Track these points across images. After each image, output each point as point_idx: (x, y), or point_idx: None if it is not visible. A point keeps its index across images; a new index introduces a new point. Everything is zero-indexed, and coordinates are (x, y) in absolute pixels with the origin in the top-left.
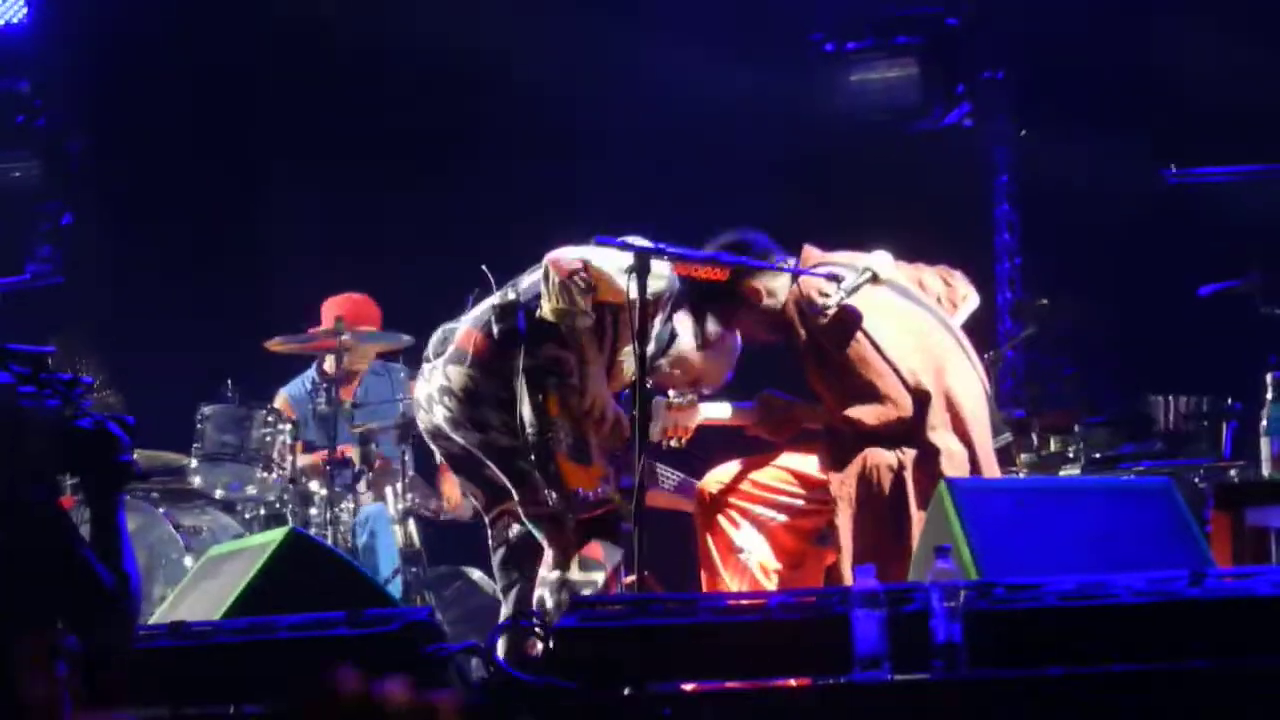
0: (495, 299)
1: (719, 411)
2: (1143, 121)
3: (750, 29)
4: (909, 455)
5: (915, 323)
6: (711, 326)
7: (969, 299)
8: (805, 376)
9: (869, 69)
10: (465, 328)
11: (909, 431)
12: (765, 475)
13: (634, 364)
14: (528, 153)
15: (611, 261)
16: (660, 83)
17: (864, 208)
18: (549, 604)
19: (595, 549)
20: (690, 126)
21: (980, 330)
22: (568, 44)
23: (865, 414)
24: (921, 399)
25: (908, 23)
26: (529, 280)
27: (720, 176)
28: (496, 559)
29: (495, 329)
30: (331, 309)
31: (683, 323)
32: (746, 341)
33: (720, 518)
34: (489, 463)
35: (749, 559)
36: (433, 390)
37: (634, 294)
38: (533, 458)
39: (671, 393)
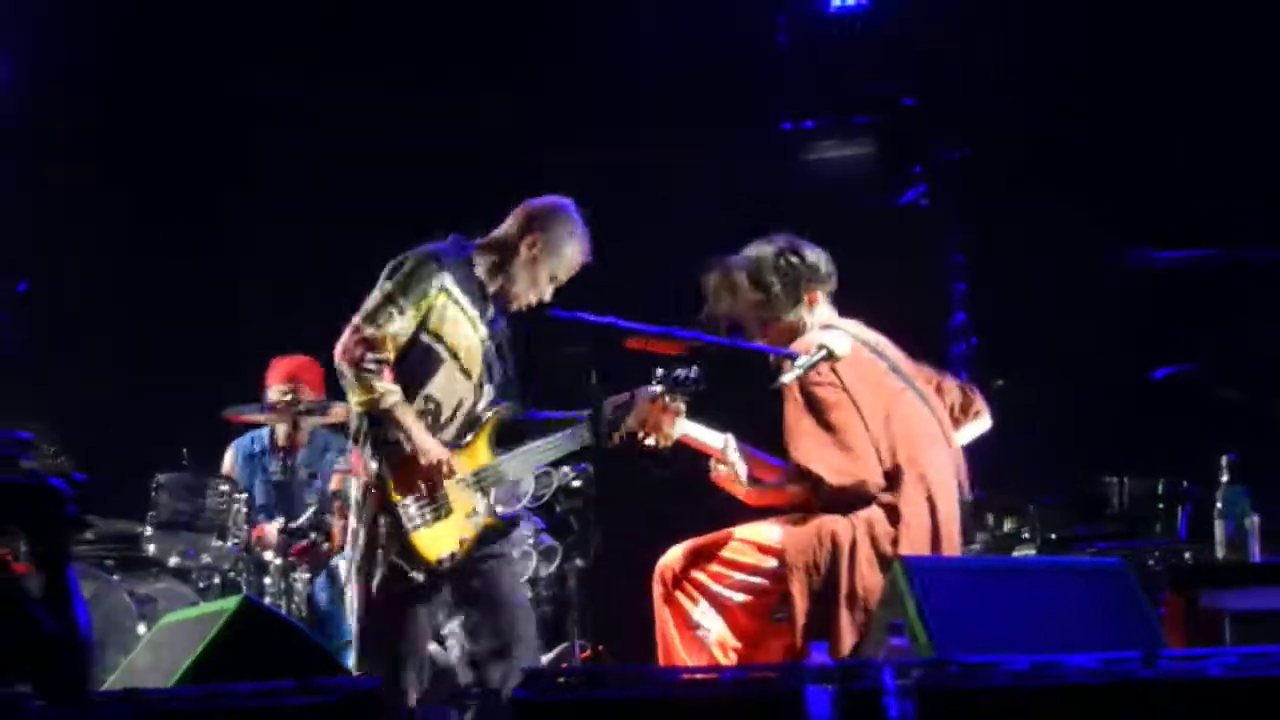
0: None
1: (698, 431)
2: (1100, 204)
3: (708, 105)
4: (863, 522)
5: (900, 406)
6: None
7: (982, 416)
8: (783, 419)
9: (826, 147)
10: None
11: (867, 497)
12: (723, 550)
13: (475, 343)
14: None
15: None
16: (616, 156)
17: None
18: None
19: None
20: (645, 201)
21: None
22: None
23: (826, 469)
24: (889, 470)
25: (866, 102)
26: None
27: (675, 251)
28: None
29: (365, 445)
30: (282, 370)
31: None
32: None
33: (679, 594)
34: None
35: (707, 636)
36: None
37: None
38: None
39: (659, 387)
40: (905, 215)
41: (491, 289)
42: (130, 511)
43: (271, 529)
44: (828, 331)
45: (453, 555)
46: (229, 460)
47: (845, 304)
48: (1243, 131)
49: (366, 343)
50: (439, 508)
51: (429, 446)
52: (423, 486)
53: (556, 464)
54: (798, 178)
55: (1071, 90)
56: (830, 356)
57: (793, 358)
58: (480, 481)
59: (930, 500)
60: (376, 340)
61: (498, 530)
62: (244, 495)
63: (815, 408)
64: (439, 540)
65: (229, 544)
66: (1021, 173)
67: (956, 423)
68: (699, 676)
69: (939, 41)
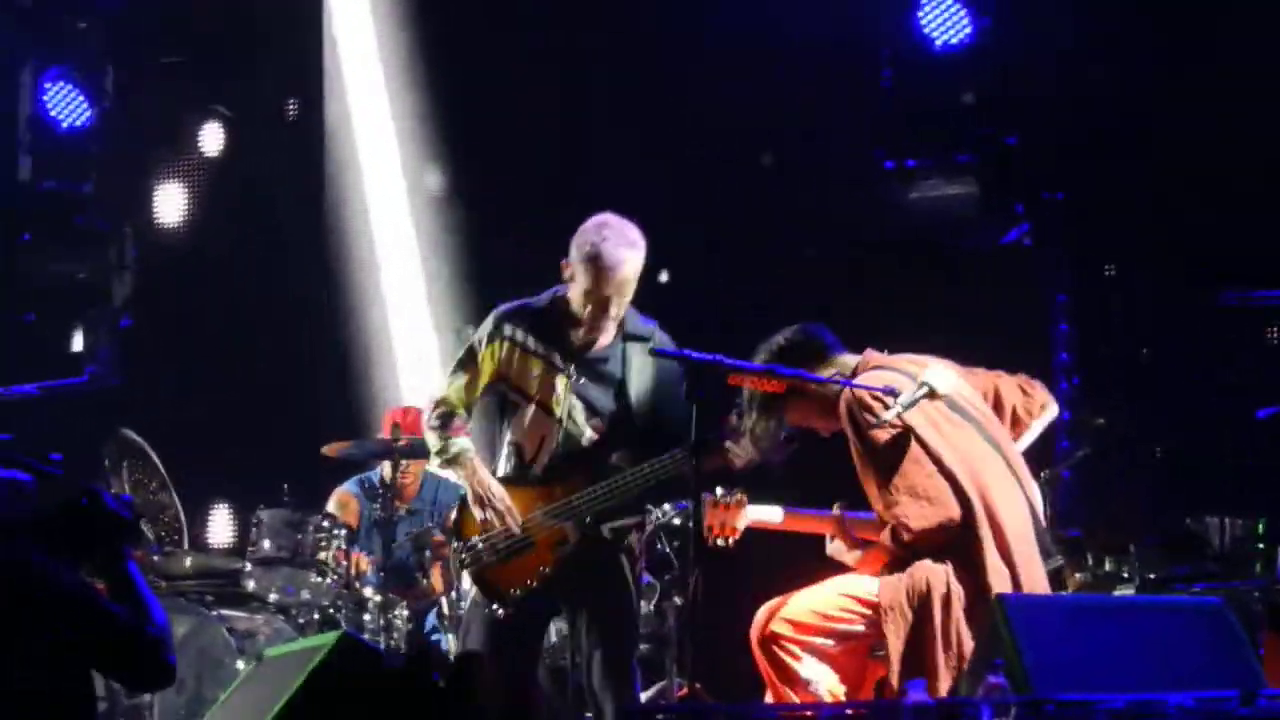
0: None
1: (769, 515)
2: (1202, 242)
3: (811, 142)
4: (955, 568)
5: (961, 441)
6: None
7: (1048, 408)
8: (857, 471)
9: (929, 186)
10: None
11: (955, 542)
12: (822, 604)
13: (554, 381)
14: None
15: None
16: (724, 192)
17: (922, 325)
18: None
19: None
20: (752, 237)
21: (1036, 449)
22: (627, 150)
23: (913, 514)
24: (966, 510)
25: (968, 140)
26: None
27: (779, 289)
28: None
29: None
30: (390, 418)
31: None
32: (798, 428)
33: (780, 654)
34: None
35: (818, 688)
36: None
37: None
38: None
39: (719, 490)
40: (1008, 255)
41: (579, 326)
42: (232, 548)
43: (362, 559)
44: (931, 368)
45: (526, 585)
46: (344, 491)
47: (947, 344)
48: None
49: (433, 403)
50: (512, 544)
51: (483, 490)
52: (493, 525)
53: (658, 498)
54: (899, 216)
55: (1175, 131)
56: (932, 393)
57: (894, 394)
58: (569, 511)
59: (1002, 539)
60: (438, 399)
61: (597, 546)
62: (343, 532)
63: (878, 457)
64: (513, 574)
65: (328, 580)
66: (1124, 212)
67: (1023, 425)
68: (797, 713)
69: (1044, 80)
